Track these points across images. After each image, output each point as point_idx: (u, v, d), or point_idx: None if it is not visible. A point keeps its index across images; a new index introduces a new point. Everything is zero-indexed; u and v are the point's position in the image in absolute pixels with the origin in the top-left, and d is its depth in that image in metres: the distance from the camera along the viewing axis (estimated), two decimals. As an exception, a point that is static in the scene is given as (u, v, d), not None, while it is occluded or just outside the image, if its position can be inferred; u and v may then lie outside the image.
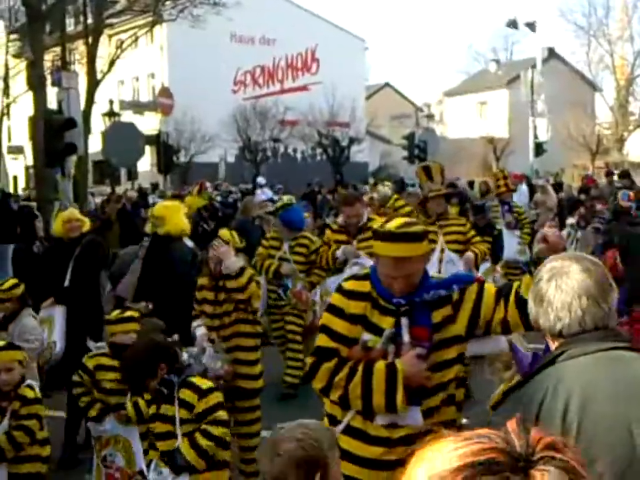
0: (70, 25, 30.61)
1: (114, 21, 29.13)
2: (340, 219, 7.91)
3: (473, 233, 8.05)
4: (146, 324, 5.55)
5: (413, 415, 3.37)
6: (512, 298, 3.38)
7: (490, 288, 3.48)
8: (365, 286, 3.48)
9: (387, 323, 3.40)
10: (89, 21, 24.13)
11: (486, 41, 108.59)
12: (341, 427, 3.42)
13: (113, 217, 12.88)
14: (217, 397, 4.35)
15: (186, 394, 4.30)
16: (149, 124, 31.60)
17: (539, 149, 27.67)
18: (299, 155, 43.79)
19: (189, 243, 7.48)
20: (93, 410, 5.44)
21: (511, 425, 1.06)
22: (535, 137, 28.04)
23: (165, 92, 34.96)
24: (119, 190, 23.97)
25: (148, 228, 7.40)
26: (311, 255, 8.17)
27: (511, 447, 1.01)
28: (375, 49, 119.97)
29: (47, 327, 7.10)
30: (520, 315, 3.27)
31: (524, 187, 19.04)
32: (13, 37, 33.25)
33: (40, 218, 8.94)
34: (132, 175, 27.33)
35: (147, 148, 20.81)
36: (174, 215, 7.16)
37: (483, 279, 3.66)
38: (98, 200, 21.22)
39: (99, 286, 7.73)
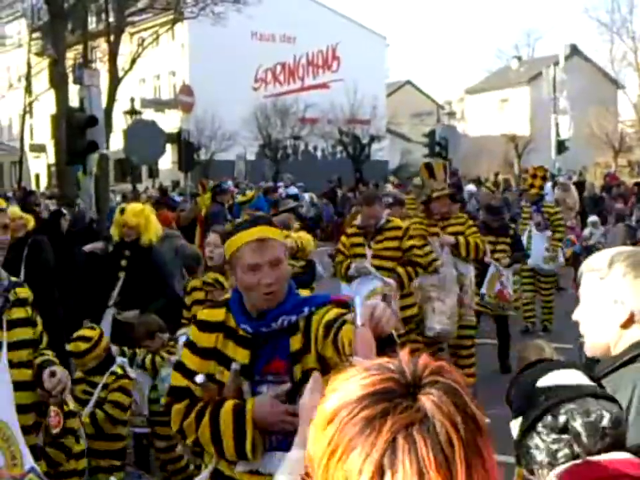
0: (92, 23, 30.67)
1: (135, 18, 29.20)
2: (358, 220, 7.69)
3: (472, 230, 7.95)
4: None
5: (274, 463, 2.88)
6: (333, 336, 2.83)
7: (331, 313, 2.93)
8: (219, 314, 3.10)
9: (241, 355, 3.01)
10: (111, 19, 24.19)
11: (508, 38, 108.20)
12: (204, 474, 3.14)
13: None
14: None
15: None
16: (170, 122, 31.63)
17: (561, 146, 27.47)
18: (319, 153, 43.76)
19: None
20: None
21: (404, 354, 1.19)
22: (557, 134, 27.84)
23: (186, 90, 34.76)
24: (140, 188, 24.07)
25: (114, 234, 6.70)
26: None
27: (402, 375, 1.14)
28: (396, 47, 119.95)
29: None
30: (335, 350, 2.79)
31: (548, 185, 18.92)
32: (35, 35, 33.41)
33: (67, 216, 8.89)
34: (153, 172, 27.48)
35: (168, 146, 20.80)
36: (149, 220, 6.67)
37: (342, 299, 3.13)
38: (118, 198, 21.31)
39: (53, 289, 7.17)
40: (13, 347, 3.69)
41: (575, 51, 46.53)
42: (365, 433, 1.10)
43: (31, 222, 7.33)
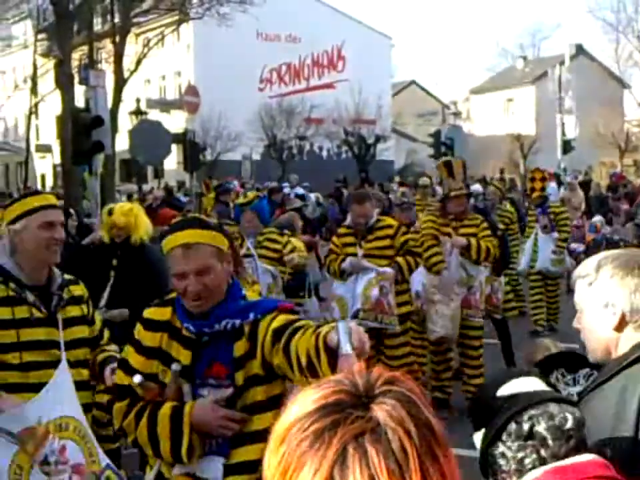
0: (97, 24, 30.75)
1: (141, 19, 29.22)
2: (348, 219, 7.56)
3: (485, 232, 7.78)
4: None
5: (210, 468, 2.91)
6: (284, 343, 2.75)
7: (279, 320, 2.86)
8: (165, 313, 3.02)
9: (184, 355, 2.94)
10: (116, 19, 24.22)
11: (513, 38, 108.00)
12: (149, 476, 3.06)
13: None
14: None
15: None
16: (175, 122, 31.68)
17: (567, 146, 27.42)
18: (324, 153, 43.77)
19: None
20: None
21: (357, 367, 1.19)
22: (563, 134, 27.80)
23: (192, 90, 34.82)
24: (146, 188, 24.12)
25: (104, 236, 6.51)
26: (286, 245, 7.66)
27: (354, 386, 1.14)
28: (401, 47, 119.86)
29: None
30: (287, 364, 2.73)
31: (553, 185, 18.88)
32: (41, 36, 33.47)
33: (75, 217, 8.86)
34: (158, 173, 27.52)
35: (174, 146, 20.86)
36: (138, 219, 6.43)
37: (289, 306, 3.03)
38: (124, 198, 21.34)
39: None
40: (69, 345, 3.67)
41: (580, 50, 46.45)
42: (315, 447, 1.09)
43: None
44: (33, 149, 41.33)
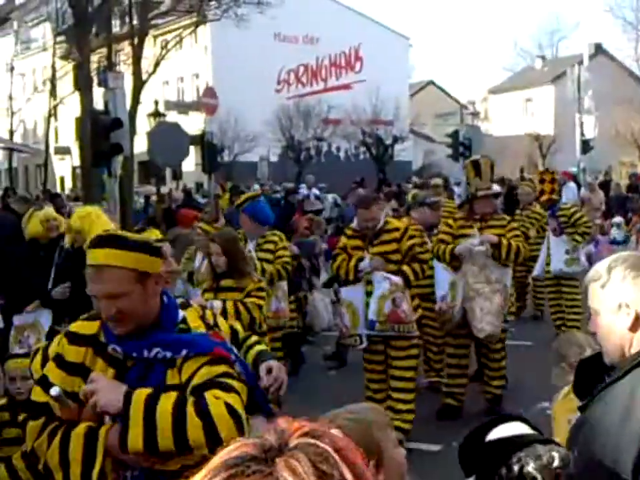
0: (116, 27, 30.87)
1: (159, 22, 29.34)
2: (354, 223, 7.30)
3: (513, 232, 7.60)
4: None
5: None
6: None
7: (202, 375, 2.69)
8: (92, 327, 2.81)
9: (108, 375, 2.74)
10: (135, 22, 24.29)
11: (531, 38, 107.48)
12: None
13: (158, 217, 12.94)
14: None
15: None
16: (193, 124, 31.74)
17: (586, 146, 27.26)
18: (342, 154, 43.74)
19: None
20: None
21: (283, 419, 1.13)
22: (582, 134, 27.63)
23: (209, 92, 34.87)
24: (164, 190, 24.17)
25: (67, 241, 6.40)
26: (277, 251, 7.56)
27: (264, 440, 1.06)
28: (419, 47, 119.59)
29: (33, 332, 6.75)
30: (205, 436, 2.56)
31: (572, 185, 18.77)
32: (59, 38, 33.65)
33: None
34: (177, 174, 27.57)
35: (192, 148, 20.89)
36: (94, 225, 6.12)
37: (224, 354, 2.82)
38: (142, 200, 21.42)
39: (84, 288, 7.36)
40: None
41: (599, 49, 46.16)
42: None
43: (63, 224, 7.35)
44: (52, 150, 41.58)
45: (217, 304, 5.76)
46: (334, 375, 9.35)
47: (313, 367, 9.58)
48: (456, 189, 18.72)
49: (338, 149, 43.36)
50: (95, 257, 2.70)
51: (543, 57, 54.45)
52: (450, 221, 7.83)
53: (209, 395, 2.60)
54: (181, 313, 2.87)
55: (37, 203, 12.79)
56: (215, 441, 2.51)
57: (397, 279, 6.83)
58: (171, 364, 2.73)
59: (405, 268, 6.91)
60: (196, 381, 2.68)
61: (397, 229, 7.03)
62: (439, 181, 13.51)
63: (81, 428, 2.70)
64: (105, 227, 5.74)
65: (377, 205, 7.20)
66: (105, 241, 2.75)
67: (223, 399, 2.60)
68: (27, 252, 7.31)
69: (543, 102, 48.88)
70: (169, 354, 2.72)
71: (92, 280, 2.73)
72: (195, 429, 2.54)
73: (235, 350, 3.09)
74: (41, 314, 6.85)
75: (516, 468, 2.06)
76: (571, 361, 3.49)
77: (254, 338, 3.99)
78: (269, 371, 3.51)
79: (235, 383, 2.71)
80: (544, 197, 10.89)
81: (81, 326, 2.87)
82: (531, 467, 2.05)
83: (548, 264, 10.54)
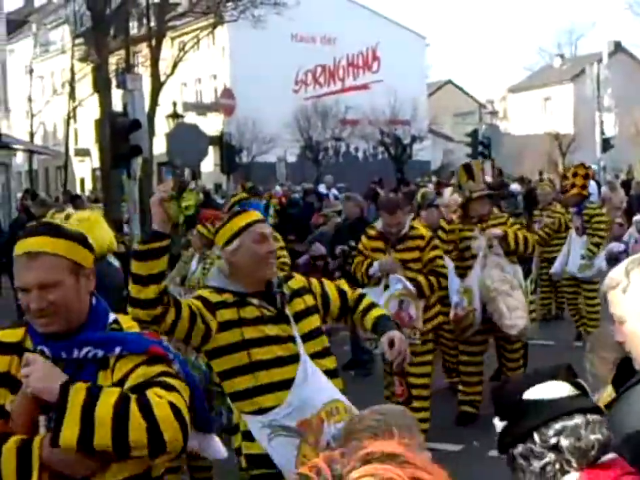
0: (134, 28, 31.01)
1: (176, 23, 29.43)
2: (378, 224, 7.11)
3: (515, 227, 7.52)
4: None
5: None
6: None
7: (137, 376, 2.54)
8: (16, 335, 2.64)
9: None
10: (152, 24, 24.38)
11: (550, 36, 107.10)
12: None
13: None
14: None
15: None
16: (212, 125, 31.82)
17: (606, 144, 27.11)
18: (360, 154, 43.70)
19: (114, 261, 6.02)
20: None
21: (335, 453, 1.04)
22: (602, 132, 27.48)
23: (227, 93, 34.99)
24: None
25: None
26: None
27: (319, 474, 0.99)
28: (437, 46, 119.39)
29: None
30: None
31: (592, 183, 18.63)
32: (78, 41, 33.84)
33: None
34: (196, 175, 27.59)
35: (210, 149, 20.95)
36: (92, 229, 5.55)
37: (160, 352, 2.65)
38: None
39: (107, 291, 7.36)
40: (305, 338, 3.74)
41: (618, 47, 45.95)
42: None
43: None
44: (71, 153, 41.79)
45: None
46: (353, 375, 9.31)
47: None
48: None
49: (356, 149, 43.33)
50: (29, 244, 2.54)
51: (562, 56, 54.20)
52: (446, 226, 7.71)
53: (151, 394, 2.46)
54: (112, 315, 2.73)
55: (56, 205, 12.84)
56: (157, 444, 2.41)
57: (411, 286, 6.72)
58: (103, 364, 2.58)
59: (421, 279, 6.77)
60: (132, 381, 2.54)
61: (421, 237, 6.90)
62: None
63: (12, 442, 2.46)
64: (103, 232, 5.53)
65: (402, 209, 7.06)
66: (40, 229, 2.65)
67: (166, 398, 2.47)
68: None
69: (562, 100, 48.64)
70: (100, 352, 2.56)
71: (24, 269, 2.53)
72: (137, 428, 2.39)
73: (172, 349, 2.99)
74: None
75: (552, 440, 2.02)
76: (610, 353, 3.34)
77: (367, 300, 4.08)
78: (391, 343, 3.55)
79: (175, 382, 2.57)
80: (574, 190, 9.97)
81: (4, 334, 2.67)
82: (566, 444, 2.01)
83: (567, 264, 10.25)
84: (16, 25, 51.32)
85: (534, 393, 2.12)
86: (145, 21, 27.02)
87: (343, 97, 41.74)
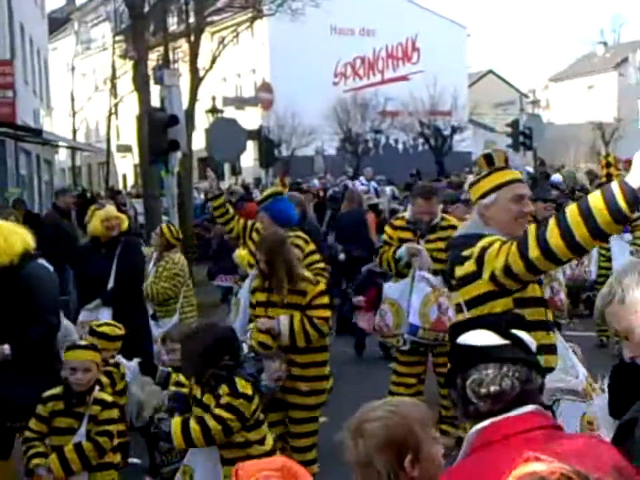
0: (173, 24, 31.15)
1: (215, 18, 29.48)
2: (408, 213, 6.76)
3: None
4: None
5: None
6: None
7: None
8: None
9: None
10: (191, 19, 24.45)
11: (593, 24, 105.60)
12: None
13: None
14: (242, 403, 4.27)
15: (223, 389, 4.29)
16: (251, 119, 31.91)
17: (651, 132, 26.69)
18: (400, 146, 43.52)
19: (44, 262, 5.72)
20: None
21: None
22: (646, 120, 27.06)
23: (265, 86, 35.32)
24: (223, 185, 24.32)
25: None
26: (306, 258, 6.71)
27: None
28: (478, 36, 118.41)
29: None
30: None
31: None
32: (118, 38, 34.11)
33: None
34: (236, 170, 27.74)
35: (250, 143, 21.00)
36: (8, 239, 5.26)
37: None
38: (202, 195, 21.58)
39: (141, 289, 7.40)
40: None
41: (663, 33, 45.04)
42: None
43: (125, 222, 7.42)
44: (113, 149, 42.17)
45: (284, 320, 5.46)
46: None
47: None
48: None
49: (396, 141, 43.15)
50: None
51: (605, 43, 53.42)
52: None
53: None
54: None
55: (96, 200, 12.92)
56: None
57: (439, 283, 6.36)
58: None
59: None
60: None
61: (454, 227, 6.46)
62: None
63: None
64: (15, 237, 5.21)
65: (437, 197, 6.81)
66: None
67: None
68: (90, 250, 7.42)
69: (605, 89, 47.95)
70: None
71: None
72: None
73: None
74: (102, 312, 6.91)
75: (461, 383, 2.20)
76: None
77: None
78: None
79: None
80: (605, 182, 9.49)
81: None
82: (473, 392, 2.18)
83: (605, 268, 9.51)
84: (58, 23, 51.92)
85: (466, 338, 2.26)
86: (183, 16, 27.12)
87: (382, 89, 41.61)
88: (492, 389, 2.15)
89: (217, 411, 4.22)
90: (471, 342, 2.24)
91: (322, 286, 5.62)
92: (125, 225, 7.41)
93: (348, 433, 2.34)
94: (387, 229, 6.90)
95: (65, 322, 6.15)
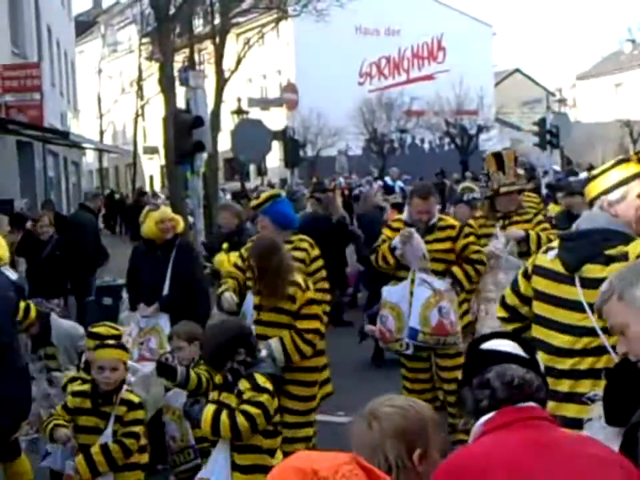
0: (198, 26, 31.29)
1: (240, 19, 29.55)
2: (405, 214, 6.57)
3: (541, 226, 6.90)
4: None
5: None
6: None
7: None
8: None
9: None
10: (216, 21, 24.55)
11: (620, 21, 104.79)
12: None
13: (242, 215, 13.00)
14: (268, 399, 4.32)
15: (244, 384, 4.33)
16: (277, 120, 31.98)
17: (679, 130, 26.40)
18: (426, 145, 43.41)
19: (11, 274, 5.57)
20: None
21: None
22: (675, 117, 26.76)
23: (290, 87, 35.32)
24: (249, 186, 24.42)
25: None
26: (311, 263, 6.37)
27: None
28: (504, 34, 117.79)
29: (154, 336, 6.64)
30: None
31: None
32: (144, 40, 34.30)
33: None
34: (261, 170, 27.84)
35: (275, 144, 21.05)
36: None
37: None
38: (228, 196, 21.68)
39: (201, 292, 7.10)
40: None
41: (692, 30, 44.57)
42: None
43: (181, 224, 7.20)
44: (140, 150, 42.46)
45: (275, 345, 5.35)
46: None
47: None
48: (544, 180, 18.34)
49: (422, 140, 43.04)
50: None
51: (633, 41, 52.95)
52: (471, 221, 7.10)
53: None
54: None
55: (125, 202, 12.99)
56: None
57: (440, 285, 6.20)
58: None
59: (457, 271, 6.30)
60: None
61: (452, 227, 6.41)
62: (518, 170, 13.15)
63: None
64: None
65: (435, 196, 6.59)
66: None
67: None
68: (144, 252, 7.17)
69: (633, 86, 47.53)
70: None
71: None
72: None
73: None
74: (161, 317, 6.73)
75: (485, 378, 2.40)
76: None
77: None
78: None
79: None
80: None
81: None
82: (495, 380, 2.39)
83: None
84: (85, 26, 52.35)
85: (489, 344, 2.50)
86: (209, 18, 27.24)
87: (407, 88, 41.53)
88: (516, 379, 2.37)
89: (244, 407, 4.24)
90: (496, 347, 2.47)
91: (311, 293, 5.50)
92: (181, 226, 7.19)
93: (361, 417, 2.33)
94: (385, 230, 6.67)
95: (71, 324, 6.19)
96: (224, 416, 4.24)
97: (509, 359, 2.41)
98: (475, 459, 2.25)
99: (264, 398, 4.28)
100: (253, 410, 4.23)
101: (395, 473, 2.22)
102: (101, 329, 5.21)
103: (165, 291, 6.83)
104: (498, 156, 7.18)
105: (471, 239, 6.44)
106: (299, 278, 5.50)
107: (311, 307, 5.44)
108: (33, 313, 5.72)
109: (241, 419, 4.21)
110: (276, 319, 5.46)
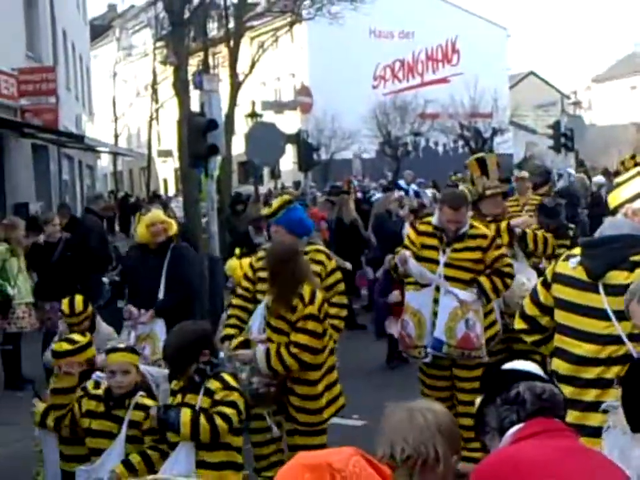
0: (213, 30, 31.36)
1: (254, 23, 29.61)
2: (434, 219, 6.29)
3: (533, 227, 6.94)
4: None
5: None
6: None
7: None
8: None
9: None
10: (230, 24, 24.60)
11: (635, 24, 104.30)
12: None
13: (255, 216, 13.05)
14: (239, 397, 4.43)
15: (214, 384, 4.41)
16: (291, 123, 32.00)
17: (695, 132, 26.24)
18: (440, 148, 43.32)
19: None
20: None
21: None
22: (691, 120, 26.62)
23: (304, 90, 35.26)
24: (262, 189, 24.42)
25: None
26: (328, 277, 6.05)
27: None
28: (518, 37, 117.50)
29: (149, 343, 6.57)
30: None
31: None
32: (159, 44, 34.40)
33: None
34: (275, 173, 27.83)
35: (289, 147, 21.04)
36: None
37: None
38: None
39: (198, 296, 7.05)
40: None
41: None
42: None
43: (173, 226, 7.07)
44: (154, 154, 42.56)
45: (259, 354, 5.32)
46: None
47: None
48: (558, 184, 18.23)
49: (436, 143, 42.98)
50: None
51: (648, 43, 52.77)
52: None
53: None
54: None
55: (139, 205, 13.03)
56: None
57: (465, 297, 6.03)
58: None
59: (484, 281, 6.07)
60: None
61: (484, 236, 6.17)
62: (525, 173, 13.06)
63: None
64: None
65: (466, 206, 6.30)
66: None
67: None
68: (139, 257, 7.09)
69: (648, 89, 47.34)
70: None
71: None
72: None
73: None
74: (156, 323, 6.67)
75: (513, 392, 2.51)
76: None
77: None
78: None
79: None
80: None
81: None
82: (524, 393, 2.50)
83: None
84: (100, 30, 52.56)
85: (510, 365, 2.64)
86: (223, 22, 27.30)
87: (422, 91, 41.47)
88: (547, 392, 2.51)
89: (220, 408, 4.34)
90: (518, 367, 2.63)
91: (312, 309, 5.30)
92: (174, 229, 7.04)
93: (409, 409, 2.36)
94: (411, 233, 6.43)
95: (104, 326, 6.16)
96: (203, 420, 4.31)
97: (534, 377, 2.56)
98: (514, 460, 2.35)
99: (235, 397, 4.41)
100: (229, 410, 4.34)
101: (442, 465, 2.26)
102: (62, 344, 5.09)
103: (160, 295, 6.76)
104: (481, 161, 7.15)
105: (502, 250, 6.27)
106: (306, 289, 5.34)
107: (307, 322, 5.29)
108: (90, 308, 5.82)
109: (219, 421, 4.31)
110: (279, 326, 5.42)
